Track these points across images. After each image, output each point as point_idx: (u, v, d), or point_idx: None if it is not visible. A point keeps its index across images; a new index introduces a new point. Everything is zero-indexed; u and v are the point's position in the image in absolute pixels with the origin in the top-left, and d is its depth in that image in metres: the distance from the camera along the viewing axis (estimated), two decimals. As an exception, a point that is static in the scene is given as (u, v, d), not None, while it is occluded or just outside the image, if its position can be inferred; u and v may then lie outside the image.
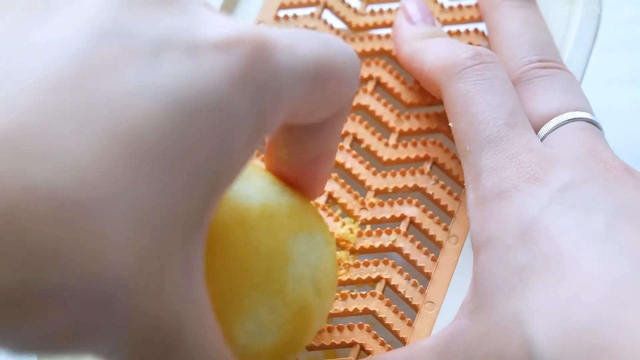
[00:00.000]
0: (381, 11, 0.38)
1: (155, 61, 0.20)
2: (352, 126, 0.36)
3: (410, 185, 0.35)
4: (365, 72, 0.37)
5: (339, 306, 0.33)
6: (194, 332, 0.22)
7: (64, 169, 0.18)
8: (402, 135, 0.36)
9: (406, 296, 0.33)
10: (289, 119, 0.25)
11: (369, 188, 0.35)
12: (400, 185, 0.35)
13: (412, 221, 0.34)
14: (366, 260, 0.34)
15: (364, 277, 0.33)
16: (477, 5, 0.38)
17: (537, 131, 0.32)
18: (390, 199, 0.35)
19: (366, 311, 0.33)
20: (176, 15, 0.22)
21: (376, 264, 0.33)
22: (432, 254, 0.34)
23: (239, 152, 0.22)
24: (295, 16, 0.38)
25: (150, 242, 0.20)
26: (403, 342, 0.32)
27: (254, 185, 0.28)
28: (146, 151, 0.20)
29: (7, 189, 0.18)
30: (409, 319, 0.32)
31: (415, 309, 0.33)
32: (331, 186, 0.35)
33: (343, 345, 0.32)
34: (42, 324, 0.19)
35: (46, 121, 0.19)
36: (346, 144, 0.36)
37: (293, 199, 0.28)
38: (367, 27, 0.38)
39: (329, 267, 0.29)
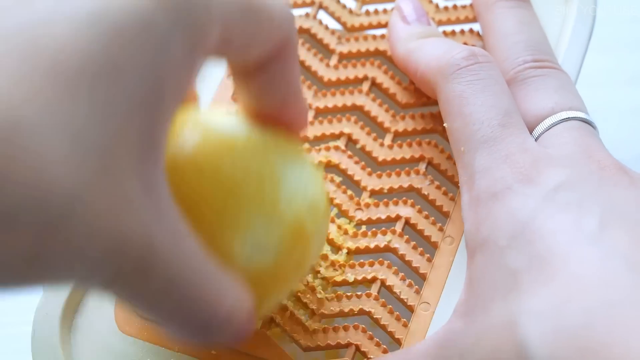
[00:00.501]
0: (376, 11, 0.38)
1: None
2: (348, 126, 0.36)
3: (406, 185, 0.35)
4: (360, 72, 0.37)
5: (334, 307, 0.33)
6: (167, 248, 0.23)
7: None
8: (397, 135, 0.36)
9: (401, 297, 0.33)
10: (228, 46, 0.25)
11: (364, 188, 0.35)
12: (396, 186, 0.35)
13: (407, 222, 0.34)
14: (361, 260, 0.34)
15: (359, 277, 0.33)
16: (471, 6, 0.38)
17: (531, 131, 0.32)
18: (385, 200, 0.35)
19: (361, 312, 0.33)
20: None
21: (371, 264, 0.33)
22: (428, 255, 0.34)
23: (174, 73, 0.22)
24: (290, 17, 0.38)
25: (92, 158, 0.20)
26: (398, 342, 0.32)
27: (235, 122, 0.28)
28: (71, 72, 0.20)
29: None
30: (405, 319, 0.32)
31: (411, 309, 0.33)
32: (326, 187, 0.35)
33: (338, 346, 0.32)
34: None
35: None
36: (341, 144, 0.36)
37: (274, 131, 0.29)
38: (362, 28, 0.38)
39: (320, 192, 0.29)
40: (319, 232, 0.29)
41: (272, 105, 0.28)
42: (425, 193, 0.35)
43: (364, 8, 0.39)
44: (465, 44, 0.37)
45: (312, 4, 0.39)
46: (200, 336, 0.25)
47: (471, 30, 0.38)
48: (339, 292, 0.33)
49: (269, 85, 0.28)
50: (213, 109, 0.29)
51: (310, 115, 0.37)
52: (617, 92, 0.49)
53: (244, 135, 0.28)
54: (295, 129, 0.29)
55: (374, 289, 0.33)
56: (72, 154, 0.20)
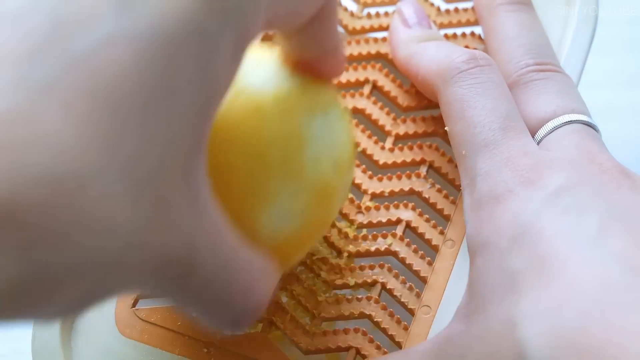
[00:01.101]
0: (377, 14, 0.38)
1: (127, 3, 0.20)
2: (349, 130, 0.36)
3: (407, 189, 0.35)
4: (361, 75, 0.37)
5: (334, 310, 0.33)
6: (208, 248, 0.23)
7: (54, 150, 0.18)
8: (398, 138, 0.36)
9: (402, 300, 0.33)
10: (272, 24, 0.25)
11: (365, 192, 0.35)
12: (397, 189, 0.35)
13: (408, 225, 0.34)
14: (362, 264, 0.34)
15: (360, 281, 0.33)
16: (473, 9, 0.38)
17: (533, 134, 0.32)
18: (386, 203, 0.35)
19: (362, 315, 0.33)
20: None
21: (372, 267, 0.33)
22: (428, 258, 0.34)
23: (224, 71, 0.22)
24: (291, 19, 0.38)
25: (146, 188, 0.20)
26: (399, 346, 0.32)
27: (264, 74, 0.28)
28: (129, 102, 0.20)
29: (3, 178, 0.18)
30: (405, 323, 0.32)
31: (411, 313, 0.33)
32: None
33: (339, 349, 0.32)
34: (56, 301, 0.19)
35: (27, 100, 0.19)
36: (342, 147, 0.36)
37: (302, 79, 0.29)
38: (363, 31, 0.38)
39: (346, 141, 0.29)
40: (344, 185, 0.29)
41: (311, 57, 0.29)
42: (426, 196, 0.35)
43: (365, 11, 0.39)
44: (466, 47, 0.37)
45: (313, 6, 0.39)
46: (233, 324, 0.25)
47: (472, 34, 0.38)
48: (339, 295, 0.33)
49: (309, 40, 0.28)
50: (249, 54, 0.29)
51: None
52: (617, 92, 0.49)
53: (272, 91, 0.28)
54: (331, 76, 0.30)
55: (374, 292, 0.33)
56: (130, 193, 0.20)
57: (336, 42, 0.29)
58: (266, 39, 0.37)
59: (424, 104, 0.36)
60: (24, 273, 0.18)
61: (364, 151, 0.36)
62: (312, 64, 0.29)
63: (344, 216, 0.35)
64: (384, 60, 0.38)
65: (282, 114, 0.27)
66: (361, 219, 0.35)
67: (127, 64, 0.20)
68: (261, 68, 0.28)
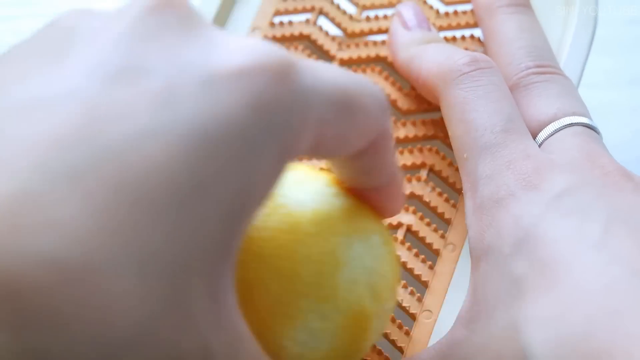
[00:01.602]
0: (377, 17, 0.38)
1: (168, 99, 0.20)
2: (348, 133, 0.36)
3: (407, 192, 0.35)
4: (361, 78, 0.37)
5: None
6: (225, 354, 0.21)
7: (65, 236, 0.18)
8: (398, 142, 0.36)
9: (403, 305, 0.33)
10: (319, 149, 0.24)
11: (366, 195, 0.35)
12: (397, 193, 0.35)
13: (409, 229, 0.34)
14: (363, 268, 0.33)
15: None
16: (472, 11, 0.38)
17: (534, 137, 0.32)
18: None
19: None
20: (192, 45, 0.21)
21: (373, 272, 0.33)
22: (429, 262, 0.33)
23: (263, 181, 0.21)
24: (290, 22, 0.38)
25: (163, 287, 0.19)
26: (401, 351, 0.32)
27: (307, 189, 0.27)
28: (155, 198, 0.19)
29: (6, 259, 0.17)
30: (407, 328, 0.32)
31: (413, 317, 0.32)
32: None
33: (340, 354, 0.32)
34: None
35: (47, 184, 0.18)
36: (342, 151, 0.36)
37: (347, 201, 0.28)
38: (362, 34, 0.38)
39: (387, 269, 0.28)
40: (381, 314, 0.28)
41: (363, 188, 0.28)
42: (427, 200, 0.35)
43: (365, 14, 0.39)
44: (466, 49, 0.37)
45: (312, 9, 0.39)
46: None
47: (472, 36, 0.38)
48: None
49: (361, 171, 0.27)
50: (299, 167, 0.28)
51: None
52: (618, 93, 0.49)
53: (312, 209, 0.27)
54: (384, 212, 0.29)
55: (375, 297, 0.33)
56: (141, 288, 0.19)
57: (390, 177, 0.27)
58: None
59: (424, 107, 0.36)
60: (18, 352, 0.18)
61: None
62: (365, 195, 0.28)
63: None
64: (384, 64, 0.38)
65: (320, 234, 0.26)
66: (362, 223, 0.34)
67: (159, 159, 0.19)
68: (306, 185, 0.27)
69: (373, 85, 0.25)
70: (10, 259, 0.17)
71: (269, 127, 0.21)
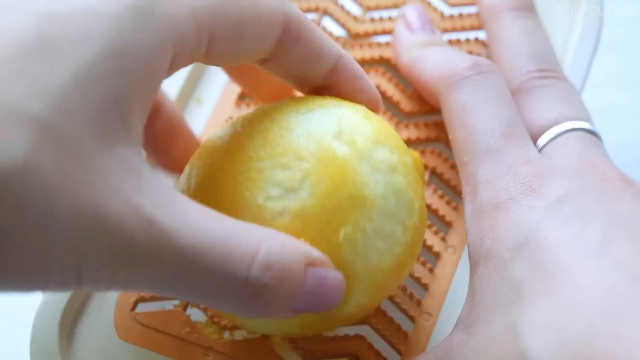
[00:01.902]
0: (381, 19, 0.38)
1: None
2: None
3: (408, 194, 0.35)
4: (364, 79, 0.37)
5: (334, 316, 0.33)
6: (176, 223, 0.22)
7: None
8: (400, 144, 0.36)
9: (403, 307, 0.33)
10: (217, 49, 0.25)
11: (367, 197, 0.35)
12: (398, 195, 0.35)
13: (409, 231, 0.34)
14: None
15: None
16: (477, 14, 0.38)
17: (535, 141, 0.32)
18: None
19: (362, 321, 0.32)
20: None
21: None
22: (429, 265, 0.33)
23: (140, 62, 0.23)
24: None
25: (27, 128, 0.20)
26: (399, 353, 0.32)
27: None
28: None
29: None
30: (405, 330, 0.32)
31: (412, 320, 0.32)
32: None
33: (338, 355, 0.32)
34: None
35: None
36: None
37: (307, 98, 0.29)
38: (366, 35, 0.38)
39: (355, 121, 0.28)
40: (363, 156, 0.28)
41: (321, 85, 0.30)
42: (428, 202, 0.35)
43: (369, 15, 0.39)
44: (470, 52, 0.37)
45: (316, 10, 0.39)
46: (249, 305, 0.24)
47: (476, 39, 0.38)
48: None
49: (301, 66, 0.28)
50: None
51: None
52: (620, 92, 0.48)
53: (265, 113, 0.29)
54: (363, 99, 0.30)
55: (375, 299, 0.33)
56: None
57: (334, 55, 0.29)
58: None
59: (426, 109, 0.36)
60: None
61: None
62: (330, 91, 0.29)
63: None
64: (387, 65, 0.38)
65: (267, 117, 0.28)
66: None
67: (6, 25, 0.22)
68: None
69: None
70: None
71: (129, 12, 0.23)
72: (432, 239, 0.34)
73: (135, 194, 0.22)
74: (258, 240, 0.24)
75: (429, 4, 0.39)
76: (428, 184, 0.35)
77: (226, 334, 0.33)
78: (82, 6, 0.22)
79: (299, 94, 0.34)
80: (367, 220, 0.27)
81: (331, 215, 0.26)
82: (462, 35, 0.38)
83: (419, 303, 0.33)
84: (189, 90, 0.37)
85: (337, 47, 0.29)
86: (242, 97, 0.37)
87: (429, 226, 0.34)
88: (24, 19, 0.22)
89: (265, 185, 0.26)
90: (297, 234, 0.26)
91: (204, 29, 0.25)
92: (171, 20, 0.24)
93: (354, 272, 0.27)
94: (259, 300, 0.24)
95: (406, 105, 0.37)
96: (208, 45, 0.25)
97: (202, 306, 0.33)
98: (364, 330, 0.32)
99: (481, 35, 0.38)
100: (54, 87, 0.21)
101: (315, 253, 0.25)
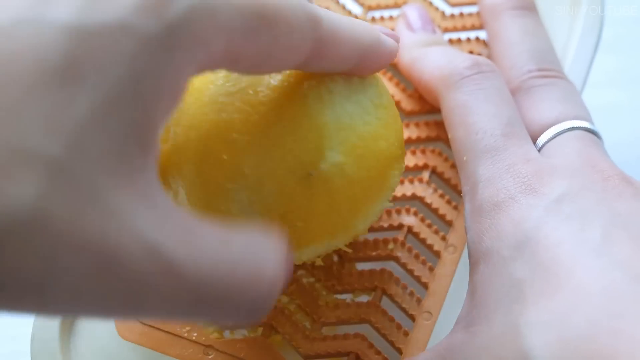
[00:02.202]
0: (382, 18, 0.38)
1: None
2: (351, 134, 0.36)
3: (409, 193, 0.35)
4: (365, 79, 0.37)
5: (335, 315, 0.33)
6: (184, 251, 0.22)
7: None
8: (401, 143, 0.36)
9: (403, 306, 0.33)
10: (241, 63, 0.24)
11: (367, 196, 0.35)
12: (399, 194, 0.35)
13: (410, 230, 0.34)
14: (363, 269, 0.33)
15: (360, 285, 0.33)
16: (478, 14, 0.38)
17: (535, 140, 0.32)
18: (388, 208, 0.34)
19: (362, 320, 0.32)
20: None
21: (373, 273, 0.33)
22: (430, 264, 0.33)
23: (161, 81, 0.22)
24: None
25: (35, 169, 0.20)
26: (399, 352, 0.32)
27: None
28: (23, 79, 0.20)
29: None
30: (406, 328, 0.32)
31: (412, 318, 0.33)
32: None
33: (339, 354, 0.32)
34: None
35: None
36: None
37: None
38: (367, 34, 0.38)
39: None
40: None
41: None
42: (429, 202, 0.35)
43: (370, 14, 0.39)
44: (470, 51, 0.37)
45: (317, 9, 0.39)
46: (249, 317, 0.24)
47: (477, 39, 0.38)
48: (339, 300, 0.33)
49: (319, 69, 0.28)
50: None
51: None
52: (619, 92, 0.49)
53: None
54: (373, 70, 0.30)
55: (375, 298, 0.33)
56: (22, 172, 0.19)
57: (358, 56, 0.28)
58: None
59: (427, 108, 0.36)
60: None
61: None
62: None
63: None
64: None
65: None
66: (363, 223, 0.34)
67: (30, 44, 0.20)
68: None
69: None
70: None
71: (163, 30, 0.21)
72: (432, 238, 0.34)
73: (150, 232, 0.21)
74: (260, 264, 0.24)
75: (430, 4, 0.39)
76: (428, 183, 0.35)
77: (226, 333, 0.33)
78: (116, 22, 0.21)
79: None
80: (331, 82, 0.28)
81: (301, 78, 0.28)
82: (463, 35, 0.38)
83: (419, 302, 0.33)
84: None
85: (362, 47, 0.28)
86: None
87: (429, 225, 0.34)
88: (50, 35, 0.20)
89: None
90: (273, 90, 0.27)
91: (234, 51, 0.24)
92: (203, 40, 0.23)
93: (324, 123, 0.27)
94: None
95: (407, 104, 0.37)
96: (232, 62, 0.25)
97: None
98: (364, 329, 0.32)
99: (482, 34, 0.38)
100: (71, 123, 0.20)
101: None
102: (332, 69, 0.28)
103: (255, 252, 0.24)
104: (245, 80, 0.28)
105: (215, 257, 0.23)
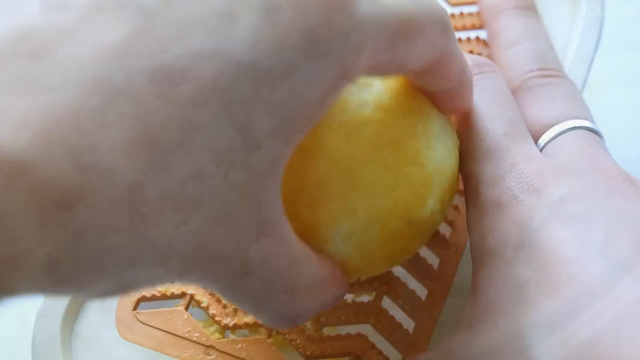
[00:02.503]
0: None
1: (227, 21, 0.21)
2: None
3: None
4: (365, 79, 0.37)
5: (336, 315, 0.33)
6: (262, 258, 0.24)
7: (114, 149, 0.20)
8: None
9: (404, 306, 0.33)
10: (374, 71, 0.25)
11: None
12: (399, 194, 0.35)
13: (410, 230, 0.34)
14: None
15: (361, 285, 0.33)
16: (478, 13, 0.38)
17: (537, 140, 0.32)
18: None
19: (363, 320, 0.32)
20: None
21: (374, 272, 0.33)
22: (431, 263, 0.33)
23: (315, 103, 0.23)
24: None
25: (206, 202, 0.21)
26: (400, 352, 0.32)
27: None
28: (202, 117, 0.21)
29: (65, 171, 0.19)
30: (407, 329, 0.32)
31: (413, 319, 0.32)
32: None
33: (340, 354, 0.32)
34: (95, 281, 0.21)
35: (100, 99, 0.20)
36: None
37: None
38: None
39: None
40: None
41: (431, 91, 0.29)
42: (429, 201, 0.35)
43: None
44: (470, 51, 0.37)
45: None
46: (285, 323, 0.27)
47: (477, 38, 0.38)
48: (341, 300, 0.33)
49: (425, 81, 0.28)
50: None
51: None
52: (619, 91, 0.48)
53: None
54: (453, 110, 0.31)
55: (376, 298, 0.33)
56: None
57: (457, 83, 0.29)
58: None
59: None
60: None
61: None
62: (433, 96, 0.30)
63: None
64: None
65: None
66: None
67: (208, 82, 0.21)
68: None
69: (435, 4, 0.26)
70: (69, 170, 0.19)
71: (322, 53, 0.22)
72: (433, 238, 0.34)
73: (250, 238, 0.24)
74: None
75: (430, 3, 0.39)
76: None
77: (227, 334, 0.33)
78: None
79: None
80: (431, 119, 0.29)
81: (406, 110, 0.28)
82: (463, 35, 0.38)
83: (420, 302, 0.33)
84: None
85: (462, 72, 0.29)
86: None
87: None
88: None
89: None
90: (382, 123, 0.27)
91: (370, 65, 0.24)
92: (354, 61, 0.23)
93: (430, 171, 0.28)
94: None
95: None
96: (365, 73, 0.25)
97: (203, 305, 0.33)
98: (366, 329, 0.32)
99: (482, 34, 0.38)
100: None
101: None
102: (434, 86, 0.29)
103: (314, 280, 0.26)
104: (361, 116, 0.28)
105: (282, 272, 0.25)
